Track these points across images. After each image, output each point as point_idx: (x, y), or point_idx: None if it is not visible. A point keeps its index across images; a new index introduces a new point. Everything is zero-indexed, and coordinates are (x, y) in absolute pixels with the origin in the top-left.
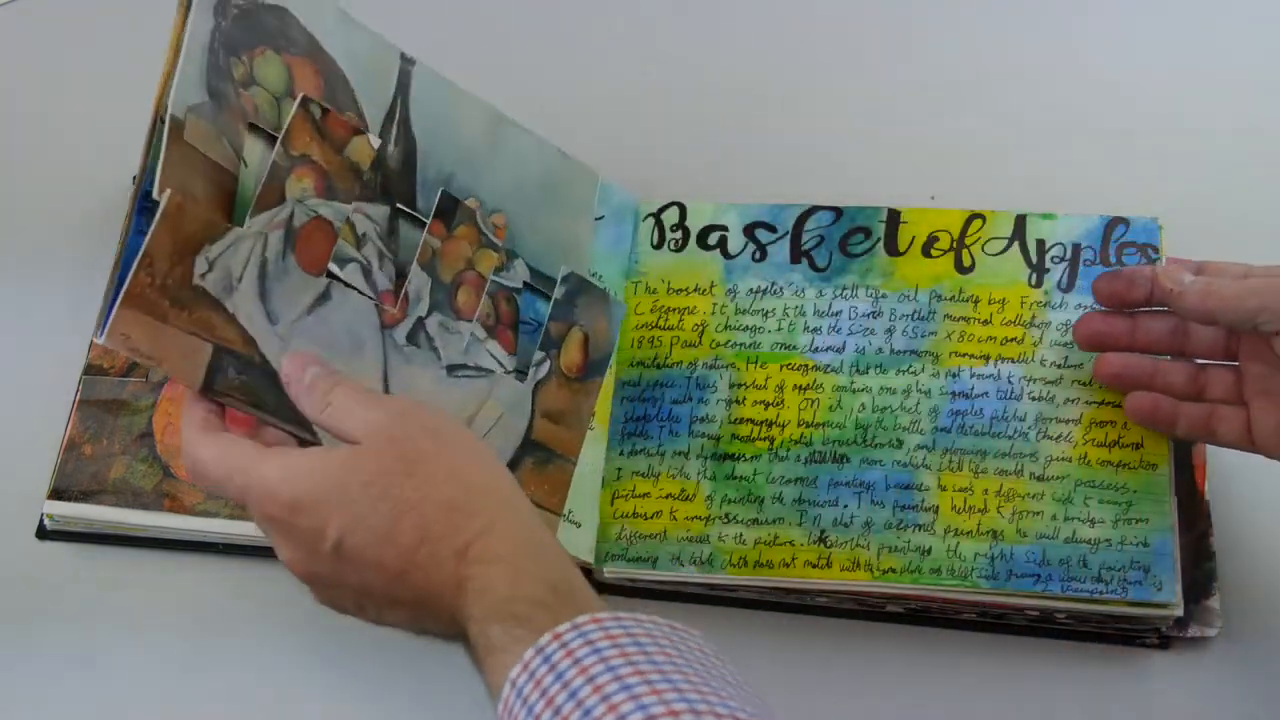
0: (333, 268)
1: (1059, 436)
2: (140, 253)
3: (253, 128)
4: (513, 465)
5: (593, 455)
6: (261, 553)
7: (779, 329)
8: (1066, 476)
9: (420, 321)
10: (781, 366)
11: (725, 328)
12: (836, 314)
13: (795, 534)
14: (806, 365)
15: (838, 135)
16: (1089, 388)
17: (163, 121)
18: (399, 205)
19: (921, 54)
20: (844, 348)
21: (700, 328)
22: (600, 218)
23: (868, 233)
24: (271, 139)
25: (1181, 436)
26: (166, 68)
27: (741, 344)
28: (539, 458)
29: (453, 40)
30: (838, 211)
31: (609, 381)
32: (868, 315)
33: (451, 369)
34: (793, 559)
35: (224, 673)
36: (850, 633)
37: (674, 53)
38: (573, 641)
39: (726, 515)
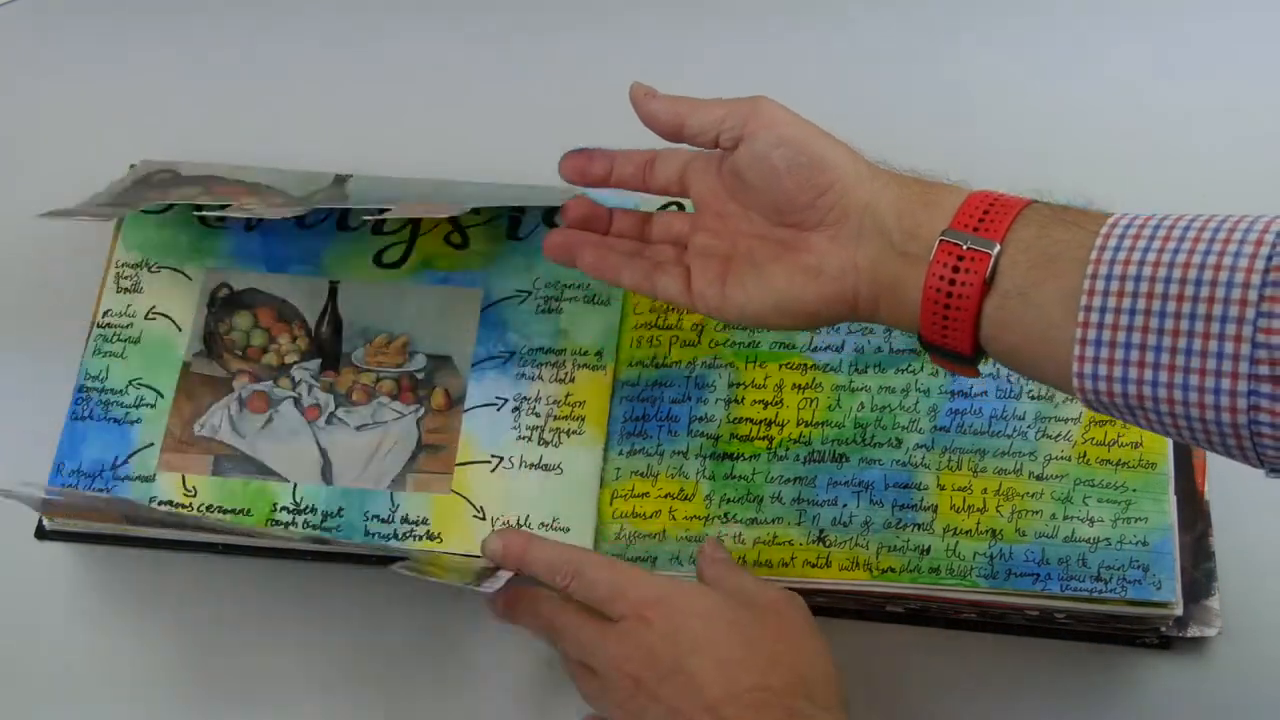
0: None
1: (1058, 435)
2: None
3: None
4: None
5: (585, 460)
6: (260, 553)
7: None
8: (1066, 475)
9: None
10: (780, 366)
11: (724, 327)
12: None
13: (794, 533)
14: (805, 364)
15: (838, 133)
16: None
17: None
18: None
19: (922, 54)
20: (843, 347)
21: (699, 327)
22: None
23: None
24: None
25: (628, 287)
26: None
27: (740, 343)
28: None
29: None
30: None
31: (607, 381)
32: None
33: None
34: (792, 558)
35: (225, 672)
36: (850, 633)
37: (675, 52)
38: None
39: (725, 515)
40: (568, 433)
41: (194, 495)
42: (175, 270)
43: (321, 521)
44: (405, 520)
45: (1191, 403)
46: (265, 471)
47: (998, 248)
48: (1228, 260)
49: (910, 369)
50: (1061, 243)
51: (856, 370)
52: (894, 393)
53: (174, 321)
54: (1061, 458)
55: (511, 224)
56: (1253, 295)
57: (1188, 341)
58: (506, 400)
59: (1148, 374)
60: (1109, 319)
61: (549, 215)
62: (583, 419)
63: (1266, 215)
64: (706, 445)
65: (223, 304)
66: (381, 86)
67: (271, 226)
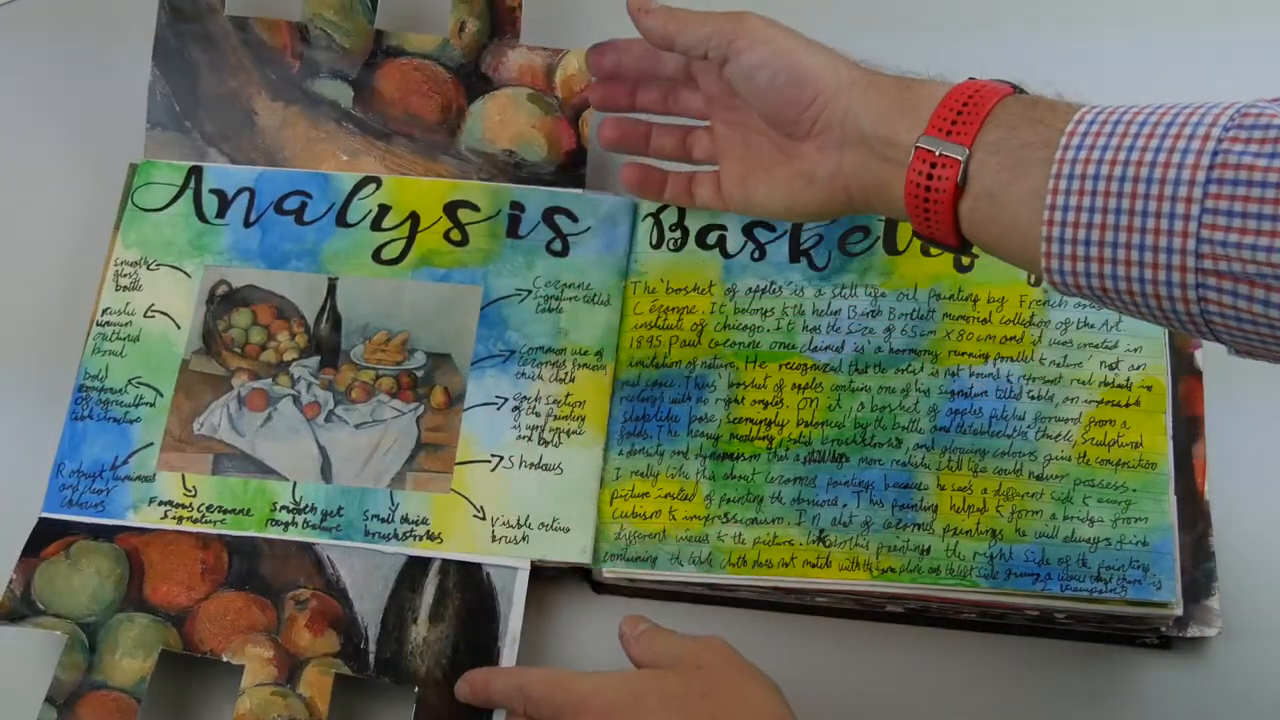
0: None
1: (1058, 435)
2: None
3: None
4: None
5: (583, 461)
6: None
7: (778, 328)
8: (1065, 475)
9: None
10: (780, 366)
11: (724, 327)
12: (835, 313)
13: (794, 533)
14: (805, 364)
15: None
16: (1088, 387)
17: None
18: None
19: (924, 54)
20: (843, 347)
21: (699, 327)
22: (587, 229)
23: (866, 231)
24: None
25: (669, 200)
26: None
27: (740, 343)
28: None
29: None
30: None
31: (607, 381)
32: (867, 314)
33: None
34: (792, 558)
35: None
36: (850, 633)
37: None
38: None
39: (725, 515)
40: (568, 433)
41: (194, 495)
42: (174, 268)
43: (321, 521)
44: (405, 520)
45: (1149, 294)
46: (265, 470)
47: (966, 152)
48: (1175, 157)
49: (910, 369)
50: (1029, 144)
51: (856, 370)
52: (894, 393)
53: (173, 319)
54: (1061, 458)
55: (511, 222)
56: (1197, 192)
57: (1140, 237)
58: (506, 399)
59: (1107, 268)
60: (1070, 217)
61: (549, 214)
62: (583, 419)
63: (1219, 104)
64: (706, 445)
65: (221, 301)
66: None
67: (270, 223)
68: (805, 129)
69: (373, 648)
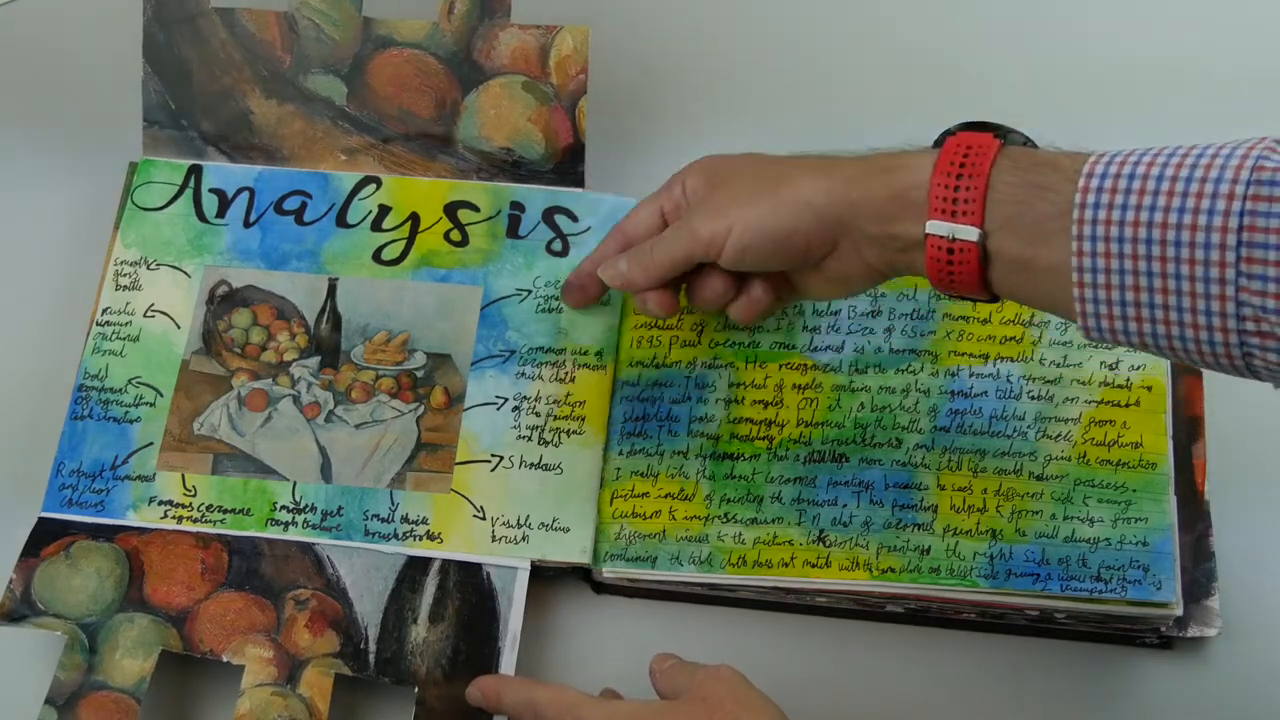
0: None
1: (1058, 436)
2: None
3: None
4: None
5: (583, 461)
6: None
7: (778, 328)
8: (1065, 476)
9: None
10: (780, 366)
11: (724, 327)
12: (835, 313)
13: (794, 533)
14: (805, 364)
15: (839, 133)
16: (1088, 387)
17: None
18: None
19: (924, 53)
20: (843, 347)
21: (699, 327)
22: (587, 229)
23: None
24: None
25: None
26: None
27: (740, 343)
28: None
29: None
30: None
31: (607, 381)
32: (867, 314)
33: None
34: (792, 558)
35: None
36: (850, 633)
37: (674, 53)
38: None
39: (725, 515)
40: (568, 432)
41: (194, 494)
42: (174, 268)
43: (321, 520)
44: (405, 519)
45: (1191, 350)
46: (265, 470)
47: (980, 233)
48: (1202, 219)
49: (910, 369)
50: (1045, 216)
51: (856, 370)
52: (894, 393)
53: (173, 319)
54: (1061, 458)
55: (511, 222)
56: (1230, 256)
57: (1178, 299)
58: (506, 399)
59: (1146, 326)
60: (1100, 279)
61: (549, 214)
62: (583, 419)
63: (1237, 149)
64: (706, 445)
65: (221, 301)
66: None
67: (270, 223)
68: (818, 256)
69: (373, 647)
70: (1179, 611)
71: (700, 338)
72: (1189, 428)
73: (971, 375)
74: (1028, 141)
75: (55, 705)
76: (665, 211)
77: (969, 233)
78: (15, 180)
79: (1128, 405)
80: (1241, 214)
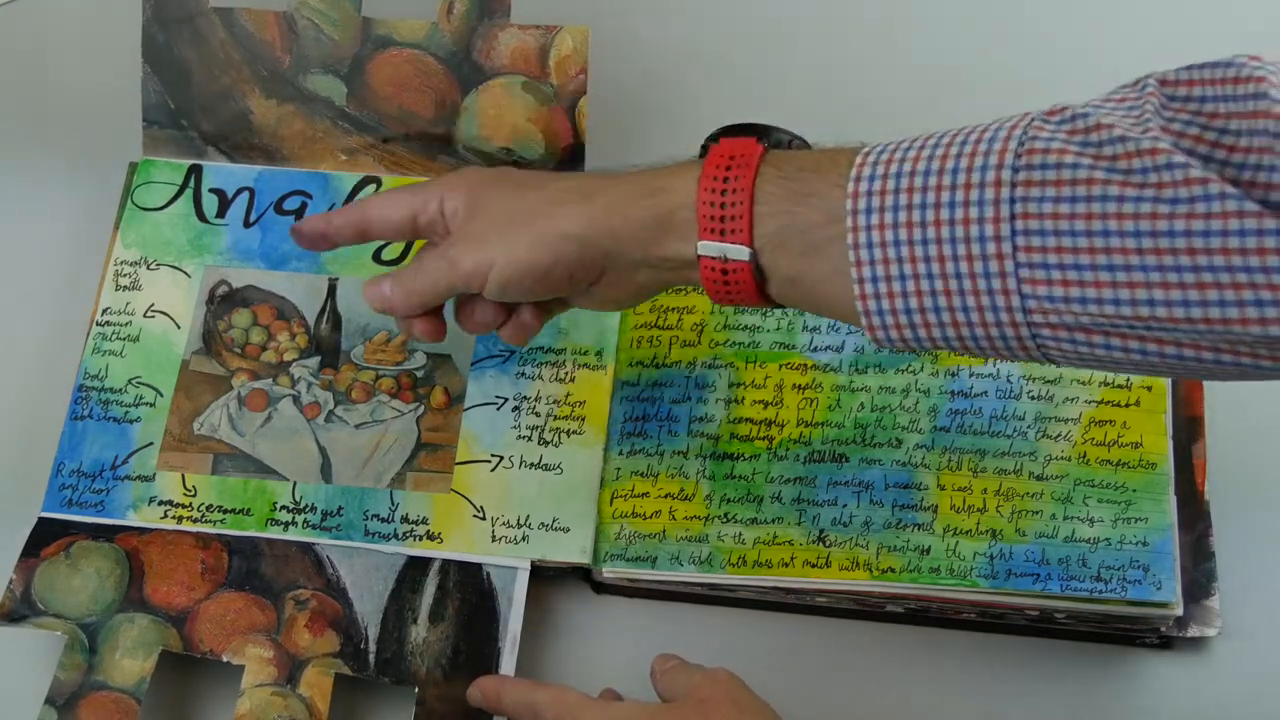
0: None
1: (1058, 436)
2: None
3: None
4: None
5: (583, 461)
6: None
7: (778, 328)
8: (1065, 476)
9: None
10: (780, 366)
11: (724, 327)
12: None
13: (794, 533)
14: (805, 364)
15: (839, 133)
16: (1088, 387)
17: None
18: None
19: (925, 53)
20: (843, 347)
21: (699, 327)
22: None
23: None
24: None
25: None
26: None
27: (740, 343)
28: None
29: None
30: None
31: (607, 381)
32: None
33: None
34: (792, 558)
35: None
36: (850, 633)
37: (673, 53)
38: None
39: (725, 515)
40: (568, 433)
41: (194, 494)
42: (174, 268)
43: (321, 520)
44: (405, 519)
45: (984, 346)
46: (265, 470)
47: (750, 252)
48: (974, 211)
49: (910, 369)
50: (814, 225)
51: (856, 370)
52: (894, 393)
53: (173, 319)
54: (1061, 458)
55: None
56: (1006, 247)
57: (962, 299)
58: (506, 399)
59: (935, 331)
60: (882, 288)
61: None
62: (583, 419)
63: (1000, 129)
64: (706, 445)
65: (221, 301)
66: None
67: (270, 223)
68: (584, 283)
69: (373, 647)
70: (1179, 611)
71: (700, 338)
72: (1189, 428)
73: (971, 375)
74: (794, 140)
75: (55, 705)
76: (418, 222)
77: (740, 252)
78: (15, 180)
79: (1128, 405)
80: (1012, 201)
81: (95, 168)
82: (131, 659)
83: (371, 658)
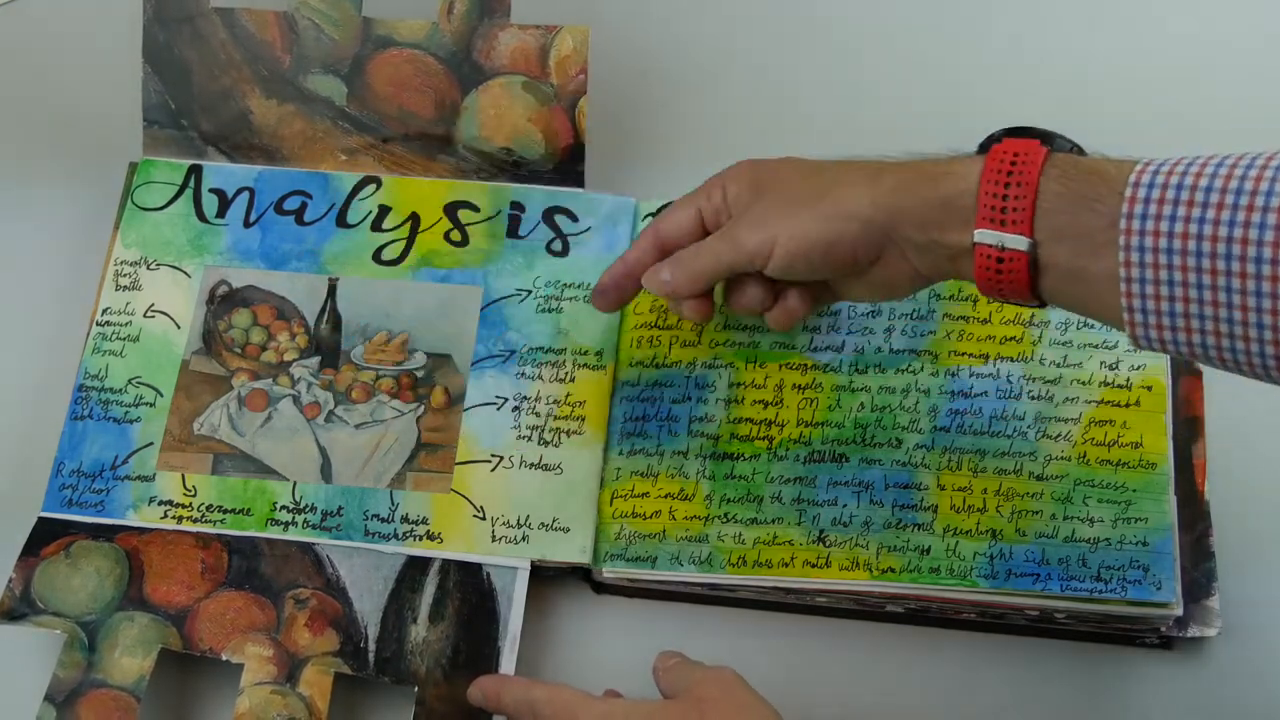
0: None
1: (1058, 436)
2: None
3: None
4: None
5: (583, 461)
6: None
7: None
8: (1066, 476)
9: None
10: (780, 366)
11: (724, 327)
12: (835, 313)
13: (794, 533)
14: (805, 365)
15: (839, 134)
16: (1088, 387)
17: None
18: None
19: (924, 52)
20: (843, 347)
21: (699, 327)
22: (588, 229)
23: None
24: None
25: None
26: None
27: (740, 343)
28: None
29: None
30: None
31: (607, 381)
32: (867, 314)
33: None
34: (792, 558)
35: None
36: (850, 633)
37: (673, 52)
38: None
39: (725, 515)
40: (568, 433)
41: (194, 494)
42: (174, 268)
43: (321, 520)
44: (405, 519)
45: (1241, 361)
46: (265, 470)
47: (1029, 243)
48: (1253, 233)
49: (910, 369)
50: (1095, 229)
51: (856, 370)
52: (894, 393)
53: (173, 319)
54: (1061, 458)
55: (511, 223)
56: None
57: (1228, 312)
58: (506, 399)
59: (1195, 337)
60: (1149, 289)
61: (549, 214)
62: (583, 419)
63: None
64: (706, 445)
65: (222, 301)
66: None
67: (270, 223)
68: (865, 265)
69: (372, 646)
70: (1179, 611)
71: (700, 338)
72: (1189, 428)
73: (972, 375)
74: (1074, 148)
75: (54, 703)
76: (704, 215)
77: (1019, 242)
78: (16, 180)
79: (1128, 405)
80: None
81: (95, 168)
82: (131, 657)
83: (371, 656)
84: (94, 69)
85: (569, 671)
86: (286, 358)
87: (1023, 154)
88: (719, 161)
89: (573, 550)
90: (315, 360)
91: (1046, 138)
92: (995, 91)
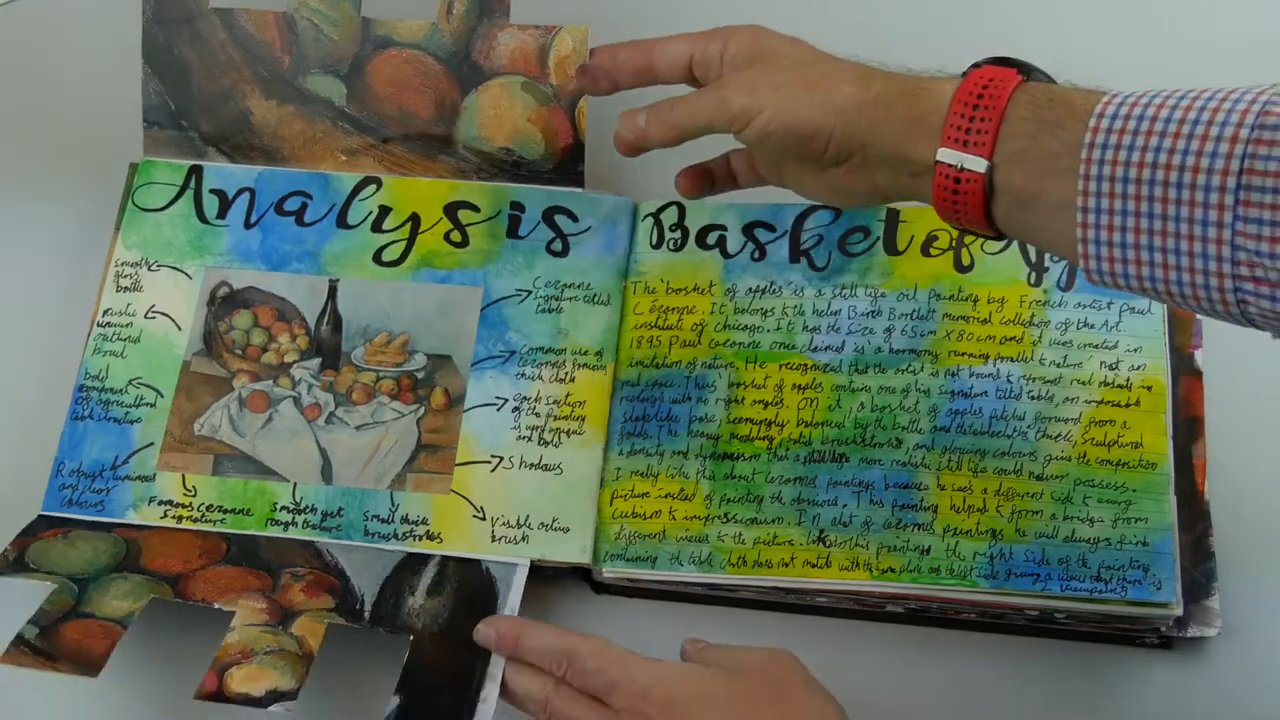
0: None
1: (1058, 436)
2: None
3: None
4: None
5: (583, 461)
6: None
7: (778, 328)
8: (1065, 476)
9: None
10: (780, 366)
11: (724, 327)
12: (835, 313)
13: (794, 533)
14: (805, 365)
15: None
16: (1088, 387)
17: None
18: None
19: (923, 52)
20: (843, 347)
21: (699, 327)
22: (587, 229)
23: (866, 232)
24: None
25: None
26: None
27: (740, 343)
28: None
29: None
30: (837, 211)
31: (607, 381)
32: (867, 314)
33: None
34: (792, 558)
35: None
36: (850, 633)
37: None
38: None
39: (725, 515)
40: (568, 433)
41: (194, 495)
42: (174, 269)
43: (321, 521)
44: (405, 520)
45: (1187, 294)
46: (265, 471)
47: (987, 164)
48: (1204, 161)
49: (910, 369)
50: (1053, 154)
51: (856, 370)
52: (894, 393)
53: (174, 320)
54: (1061, 458)
55: (511, 223)
56: (1229, 199)
57: (1175, 242)
58: (506, 400)
59: (1145, 270)
60: (1103, 220)
61: (549, 214)
62: (583, 419)
63: (1246, 93)
64: (706, 445)
65: (222, 303)
66: None
67: (271, 224)
68: (830, 162)
69: (368, 608)
70: (1179, 611)
71: (700, 338)
72: (1189, 428)
73: (971, 375)
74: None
75: (38, 625)
76: (695, 60)
77: (977, 163)
78: (15, 180)
79: (1128, 405)
80: (1243, 157)
81: (95, 168)
82: (120, 600)
83: (367, 614)
84: (94, 69)
85: None
86: (287, 359)
87: (996, 80)
88: None
89: (573, 550)
90: (316, 362)
91: (1026, 69)
92: None
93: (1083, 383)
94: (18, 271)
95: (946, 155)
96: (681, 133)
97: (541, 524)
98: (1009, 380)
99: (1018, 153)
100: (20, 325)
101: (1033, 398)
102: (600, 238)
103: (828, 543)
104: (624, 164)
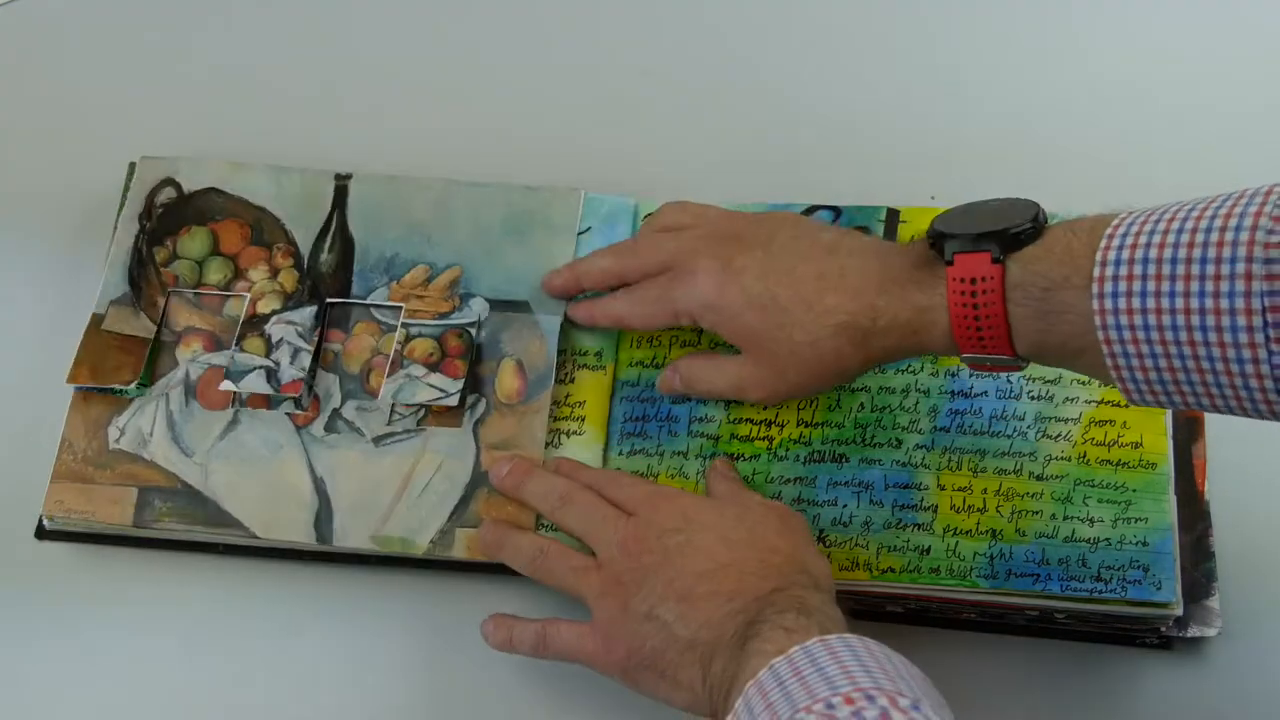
0: (230, 384)
1: (1058, 436)
2: (59, 440)
3: (171, 295)
4: (466, 499)
5: (585, 460)
6: (259, 553)
7: None
8: (1065, 476)
9: (336, 412)
10: None
11: None
12: None
13: None
14: None
15: (838, 134)
16: (1088, 387)
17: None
18: (328, 298)
19: (922, 52)
20: None
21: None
22: (587, 229)
23: (867, 231)
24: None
25: None
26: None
27: None
28: (490, 488)
29: (453, 41)
30: (837, 210)
31: (607, 381)
32: None
33: (378, 440)
34: None
35: (222, 673)
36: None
37: (673, 53)
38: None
39: None
40: (568, 433)
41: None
42: None
43: None
44: None
45: (1236, 412)
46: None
47: (1011, 358)
48: (1224, 303)
49: (910, 369)
50: (1067, 337)
51: None
52: (894, 393)
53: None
54: (1061, 458)
55: None
56: (1259, 338)
57: (1214, 378)
58: None
59: (1190, 398)
60: (1135, 363)
61: None
62: (583, 419)
63: (1244, 219)
64: (706, 445)
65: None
66: (383, 81)
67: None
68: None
69: None
70: (1179, 611)
71: (700, 338)
72: (1189, 428)
73: (971, 375)
74: (1022, 233)
75: None
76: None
77: (1002, 358)
78: (15, 180)
79: (1128, 405)
80: (1263, 295)
81: (95, 168)
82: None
83: None
84: (94, 69)
85: (569, 671)
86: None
87: (981, 281)
88: (719, 162)
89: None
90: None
91: (988, 237)
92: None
93: (1083, 383)
94: (17, 271)
95: (971, 357)
96: (642, 321)
97: (542, 524)
98: (1009, 380)
99: (1036, 345)
100: (20, 325)
101: (1032, 398)
102: (600, 238)
103: (828, 543)
104: (623, 165)
